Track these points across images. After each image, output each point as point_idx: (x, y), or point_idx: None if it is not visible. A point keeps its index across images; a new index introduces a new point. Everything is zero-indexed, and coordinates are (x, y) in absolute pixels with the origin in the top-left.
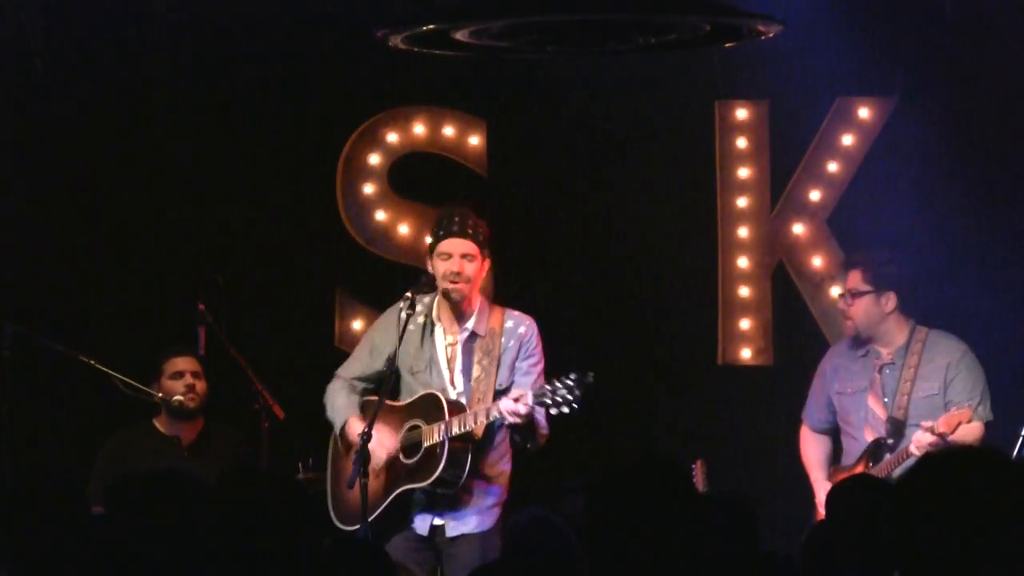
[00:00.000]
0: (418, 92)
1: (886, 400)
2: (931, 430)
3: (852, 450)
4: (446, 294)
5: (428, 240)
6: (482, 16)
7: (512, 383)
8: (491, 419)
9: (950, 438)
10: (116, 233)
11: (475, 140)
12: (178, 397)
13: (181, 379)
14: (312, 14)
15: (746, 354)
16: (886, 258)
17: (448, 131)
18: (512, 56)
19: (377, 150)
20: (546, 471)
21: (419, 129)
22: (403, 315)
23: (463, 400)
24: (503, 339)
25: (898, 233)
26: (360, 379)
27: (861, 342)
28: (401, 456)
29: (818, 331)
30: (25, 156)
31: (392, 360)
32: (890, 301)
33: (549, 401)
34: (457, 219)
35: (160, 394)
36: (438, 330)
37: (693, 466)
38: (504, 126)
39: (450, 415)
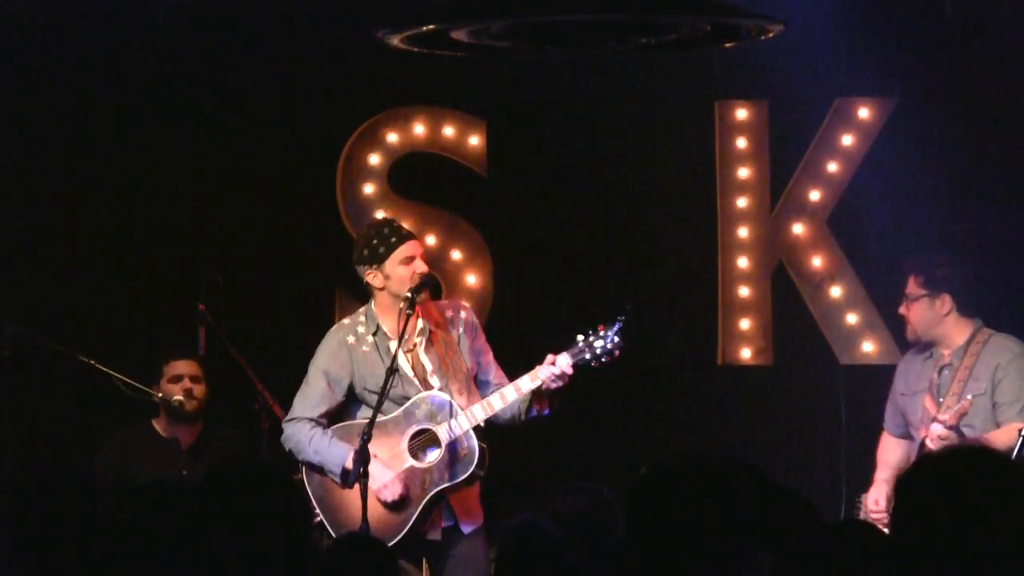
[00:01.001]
0: (418, 92)
1: (940, 400)
2: (943, 423)
3: (914, 451)
4: (408, 303)
5: (376, 250)
6: (482, 16)
7: (480, 366)
8: (528, 390)
9: (985, 438)
10: (116, 233)
11: (475, 140)
12: (178, 398)
13: (180, 383)
14: (312, 14)
15: (746, 354)
16: (940, 261)
17: (448, 131)
18: (512, 56)
19: (377, 150)
20: (546, 471)
21: (419, 129)
22: (403, 314)
23: (446, 396)
24: (451, 329)
25: (898, 233)
26: (324, 415)
27: (925, 345)
28: (415, 463)
29: (818, 331)
30: (25, 156)
31: (393, 359)
32: (945, 303)
33: (588, 356)
34: (396, 225)
35: (160, 395)
36: (392, 343)
37: None
38: (504, 126)
39: (463, 407)
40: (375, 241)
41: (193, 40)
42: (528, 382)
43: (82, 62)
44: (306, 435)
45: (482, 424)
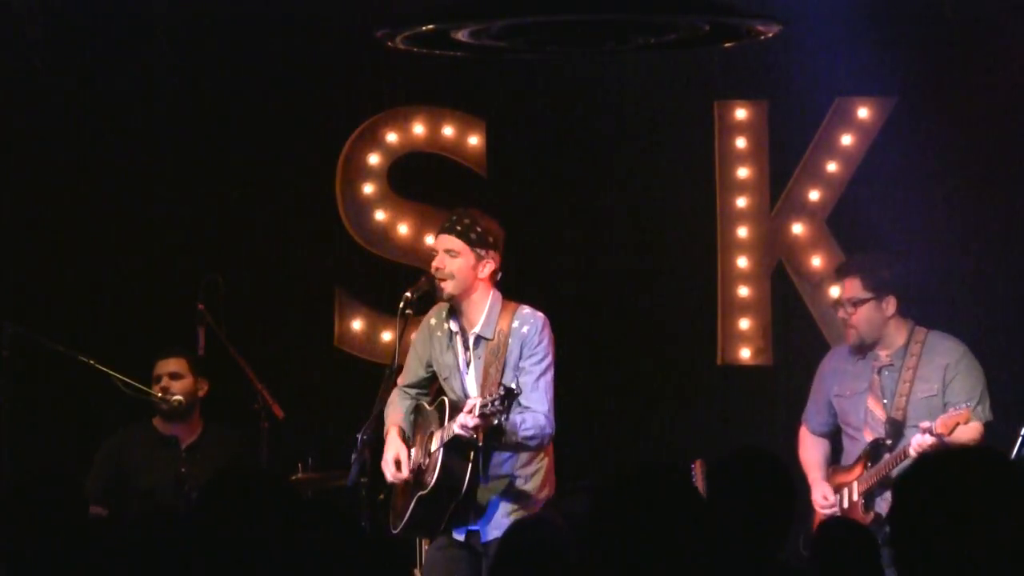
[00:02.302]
0: (418, 92)
1: (885, 401)
2: (929, 431)
3: (852, 450)
4: (411, 300)
5: None
6: (482, 16)
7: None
8: (450, 436)
9: (948, 439)
10: (116, 233)
11: (474, 140)
12: (178, 397)
13: (159, 382)
14: (312, 14)
15: (745, 354)
16: (883, 262)
17: (448, 131)
18: (512, 56)
19: (377, 150)
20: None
21: (419, 129)
22: (402, 314)
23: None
24: (510, 340)
25: (897, 233)
26: (410, 386)
27: (863, 348)
28: (421, 463)
29: (817, 331)
30: (25, 156)
31: (428, 366)
32: (891, 305)
33: (488, 411)
34: (453, 217)
35: (159, 395)
36: (457, 338)
37: (693, 466)
38: (504, 126)
39: (448, 422)
40: None
41: (193, 40)
42: (452, 427)
43: (82, 62)
44: (391, 402)
45: (464, 438)
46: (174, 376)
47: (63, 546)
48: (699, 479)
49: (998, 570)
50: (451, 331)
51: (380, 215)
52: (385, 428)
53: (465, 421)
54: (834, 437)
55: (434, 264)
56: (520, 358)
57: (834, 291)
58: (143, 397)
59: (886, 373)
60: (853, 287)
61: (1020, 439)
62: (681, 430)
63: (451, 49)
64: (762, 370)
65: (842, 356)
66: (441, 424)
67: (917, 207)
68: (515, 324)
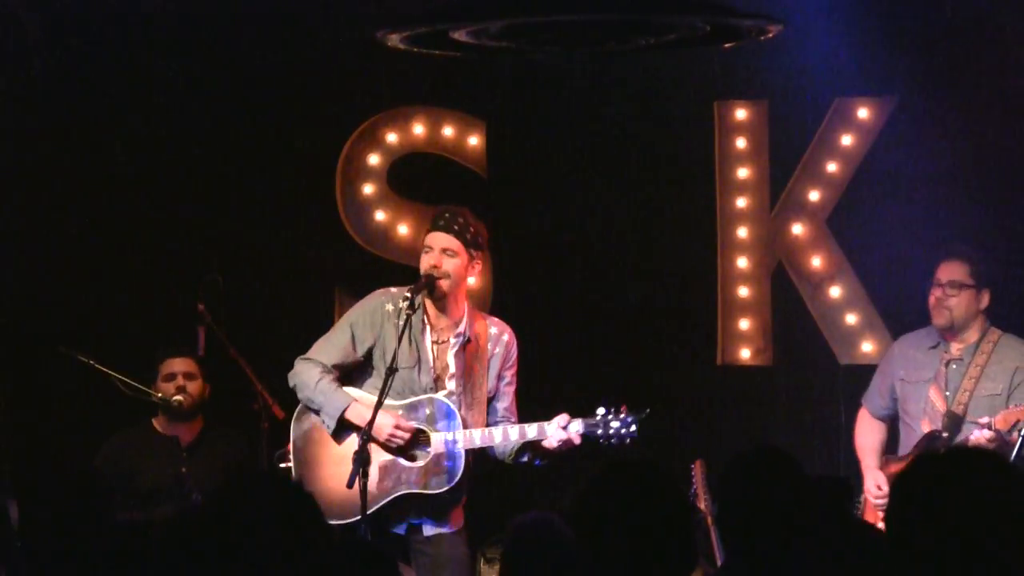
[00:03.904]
0: (418, 92)
1: (947, 394)
2: (988, 426)
3: (908, 440)
4: (411, 300)
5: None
6: (481, 16)
7: (497, 392)
8: (529, 438)
9: (1008, 436)
10: (116, 233)
11: (474, 140)
12: (177, 397)
13: (173, 380)
14: (312, 14)
15: (745, 354)
16: (985, 255)
17: (447, 131)
18: (512, 56)
19: (377, 150)
20: (546, 471)
21: (419, 129)
22: (403, 314)
23: (453, 404)
24: (489, 345)
25: (897, 233)
26: (336, 366)
27: (928, 334)
28: (401, 460)
29: (817, 331)
30: (25, 156)
31: (394, 359)
32: (986, 298)
33: (600, 433)
34: (447, 215)
35: (159, 395)
36: (428, 331)
37: (693, 466)
38: (503, 126)
39: (466, 427)
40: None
41: (193, 40)
42: (534, 432)
43: (81, 62)
44: (314, 376)
45: (475, 448)
46: (189, 376)
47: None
48: (699, 479)
49: (998, 569)
50: (422, 324)
51: (380, 215)
52: (341, 402)
53: (569, 437)
54: (892, 423)
55: (431, 262)
56: (502, 367)
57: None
58: (144, 398)
59: (953, 367)
60: (958, 271)
61: (1021, 439)
62: (681, 430)
63: (451, 49)
64: (762, 370)
65: (913, 342)
66: (438, 425)
67: (917, 207)
68: (493, 331)
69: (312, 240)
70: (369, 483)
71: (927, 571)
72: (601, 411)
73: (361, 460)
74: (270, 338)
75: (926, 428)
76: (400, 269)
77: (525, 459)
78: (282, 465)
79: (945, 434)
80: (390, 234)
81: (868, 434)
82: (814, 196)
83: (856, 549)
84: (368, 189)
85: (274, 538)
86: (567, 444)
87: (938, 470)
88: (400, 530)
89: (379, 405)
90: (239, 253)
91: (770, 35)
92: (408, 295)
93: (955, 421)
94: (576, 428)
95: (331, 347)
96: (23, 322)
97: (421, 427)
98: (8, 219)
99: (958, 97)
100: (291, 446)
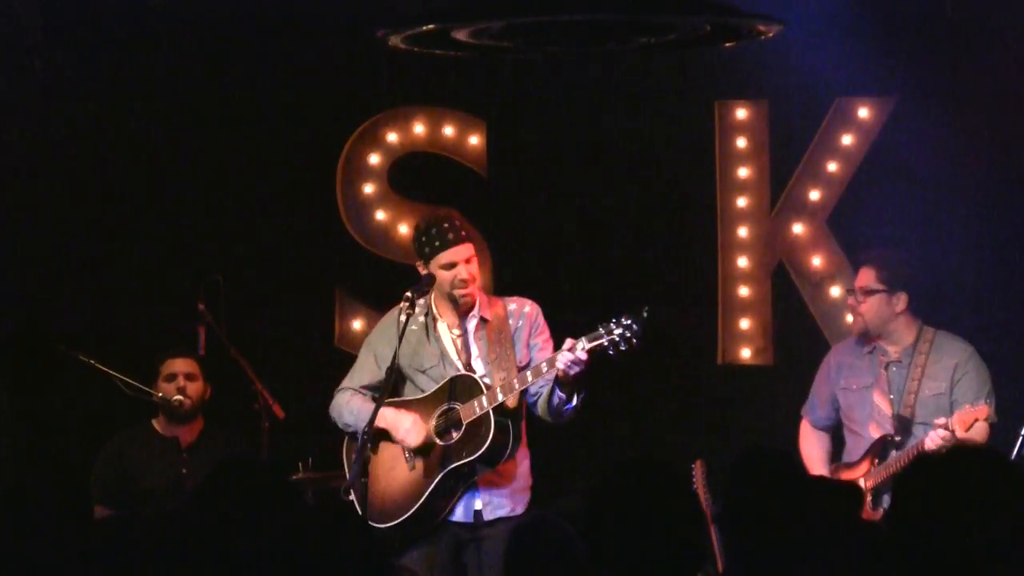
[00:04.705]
0: (418, 92)
1: (892, 397)
2: (945, 427)
3: (855, 447)
4: (454, 299)
5: (422, 248)
6: (482, 16)
7: (531, 360)
8: (546, 373)
9: (960, 436)
10: (116, 233)
11: (475, 140)
12: (178, 398)
13: (174, 381)
14: (312, 14)
15: (746, 354)
16: (902, 259)
17: (448, 131)
18: (512, 56)
19: (377, 150)
20: (546, 471)
21: (419, 129)
22: (402, 316)
23: (487, 381)
24: (510, 320)
25: (897, 233)
26: (368, 387)
27: (867, 340)
28: (438, 440)
29: (818, 331)
30: (25, 156)
31: (393, 360)
32: (901, 301)
33: (606, 342)
34: (447, 226)
35: (160, 394)
36: (441, 325)
37: (693, 466)
38: (504, 126)
39: (489, 389)
40: (424, 239)
41: (193, 40)
42: (546, 366)
43: (81, 62)
44: (346, 400)
45: (508, 405)
46: (190, 377)
47: (69, 546)
48: (699, 479)
49: (997, 569)
50: (435, 320)
51: (380, 215)
52: (368, 414)
53: (577, 356)
54: (835, 432)
55: (461, 276)
56: (530, 335)
57: (834, 290)
58: (145, 398)
59: (894, 369)
60: (867, 277)
61: (1021, 439)
62: (681, 430)
63: (451, 49)
64: (762, 370)
65: (848, 350)
66: (464, 397)
67: (917, 207)
68: (512, 307)
69: (312, 240)
70: (415, 473)
71: (928, 571)
72: (601, 324)
73: (361, 460)
74: (270, 338)
75: (875, 433)
76: (400, 269)
77: (556, 403)
78: (348, 498)
79: (897, 437)
80: (390, 234)
81: (814, 446)
82: (814, 196)
83: (860, 550)
84: (368, 189)
85: (262, 525)
86: (577, 363)
87: (938, 470)
88: (466, 519)
89: (379, 405)
90: (239, 253)
91: (770, 35)
92: (410, 295)
93: (904, 424)
94: (582, 345)
95: (358, 371)
96: (23, 322)
97: (452, 406)
98: (8, 219)
99: (958, 97)
100: (347, 475)
